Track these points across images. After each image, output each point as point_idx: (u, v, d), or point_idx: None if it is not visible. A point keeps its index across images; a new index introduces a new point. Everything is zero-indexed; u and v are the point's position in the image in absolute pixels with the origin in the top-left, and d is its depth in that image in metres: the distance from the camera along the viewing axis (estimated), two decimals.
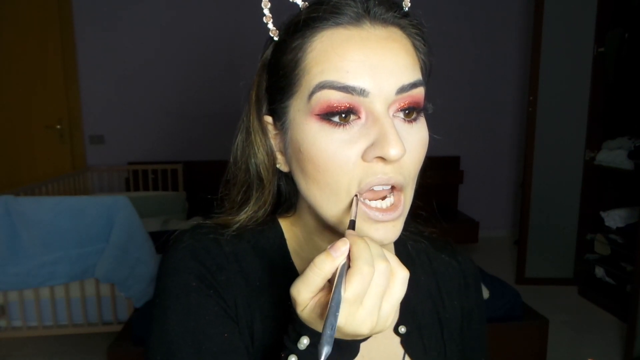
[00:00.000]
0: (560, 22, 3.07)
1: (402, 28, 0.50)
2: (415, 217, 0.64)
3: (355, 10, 0.48)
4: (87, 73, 3.81)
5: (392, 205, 0.48)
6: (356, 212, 0.46)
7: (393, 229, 0.48)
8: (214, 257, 0.54)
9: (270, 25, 0.53)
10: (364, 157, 0.46)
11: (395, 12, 0.49)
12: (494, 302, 1.97)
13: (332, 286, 0.40)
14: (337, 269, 0.39)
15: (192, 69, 3.85)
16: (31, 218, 2.24)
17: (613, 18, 3.02)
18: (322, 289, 0.41)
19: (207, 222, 0.58)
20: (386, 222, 0.48)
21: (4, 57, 3.67)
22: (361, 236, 0.41)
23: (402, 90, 0.47)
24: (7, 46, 3.66)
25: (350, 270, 0.38)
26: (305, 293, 0.41)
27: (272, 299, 0.55)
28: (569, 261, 3.31)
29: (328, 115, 0.47)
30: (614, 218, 2.99)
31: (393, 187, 0.48)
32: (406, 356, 0.58)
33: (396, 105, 0.48)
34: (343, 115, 0.46)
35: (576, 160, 3.19)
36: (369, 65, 0.46)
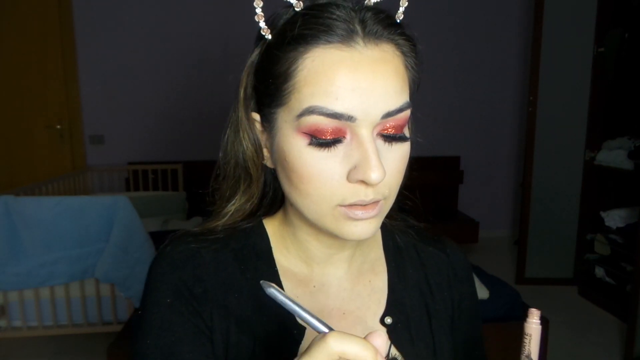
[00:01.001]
0: (560, 22, 3.07)
1: (396, 45, 0.50)
2: (402, 210, 0.65)
3: (349, 27, 0.47)
4: (87, 73, 3.81)
5: (371, 203, 0.50)
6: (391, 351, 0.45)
7: (370, 226, 0.50)
8: (193, 269, 0.55)
9: (262, 24, 0.52)
10: (348, 178, 0.48)
11: (390, 29, 0.49)
12: (494, 302, 1.97)
13: None
14: None
15: (192, 68, 3.85)
16: (31, 218, 2.24)
17: (613, 18, 3.02)
18: None
19: (195, 229, 0.59)
20: (364, 220, 0.50)
21: (4, 57, 3.67)
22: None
23: (389, 115, 0.48)
24: (7, 46, 3.66)
25: None
26: None
27: (247, 311, 0.56)
28: (569, 261, 3.31)
29: (315, 135, 0.48)
30: (614, 218, 2.99)
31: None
32: (392, 347, 0.58)
33: (380, 127, 0.49)
34: (330, 139, 0.48)
35: (576, 160, 3.20)
36: (358, 92, 0.46)
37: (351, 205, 0.49)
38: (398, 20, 0.52)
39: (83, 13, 3.73)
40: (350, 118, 0.46)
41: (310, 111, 0.47)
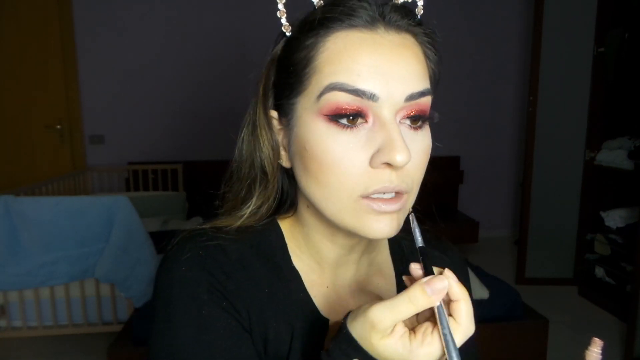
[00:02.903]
0: (560, 22, 3.07)
1: (415, 36, 0.50)
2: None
3: (371, 14, 0.48)
4: (87, 73, 3.81)
5: (394, 197, 0.49)
6: (420, 237, 0.47)
7: (392, 222, 0.49)
8: (222, 266, 0.53)
9: (284, 20, 0.53)
10: (371, 163, 0.47)
11: (409, 19, 0.50)
12: (494, 302, 1.97)
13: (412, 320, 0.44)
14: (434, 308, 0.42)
15: (192, 68, 3.85)
16: (31, 218, 2.24)
17: (613, 18, 3.02)
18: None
19: (204, 226, 0.58)
20: (387, 214, 0.48)
21: (4, 57, 3.67)
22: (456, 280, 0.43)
23: (411, 98, 0.47)
24: (7, 46, 3.66)
25: (454, 326, 0.42)
26: (389, 321, 0.41)
27: (281, 304, 0.55)
28: (569, 261, 3.31)
29: (336, 116, 0.47)
30: (614, 218, 2.99)
31: (397, 192, 0.49)
32: None
33: (403, 112, 0.48)
34: (351, 118, 0.47)
35: (576, 160, 3.20)
36: (380, 71, 0.46)
37: (374, 198, 0.48)
38: (418, 16, 0.53)
39: (83, 13, 3.73)
40: (372, 96, 0.46)
41: (331, 88, 0.47)
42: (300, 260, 0.59)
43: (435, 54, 0.53)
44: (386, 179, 0.47)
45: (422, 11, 0.53)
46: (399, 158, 0.45)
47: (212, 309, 0.51)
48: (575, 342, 2.54)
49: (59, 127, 3.83)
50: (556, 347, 2.15)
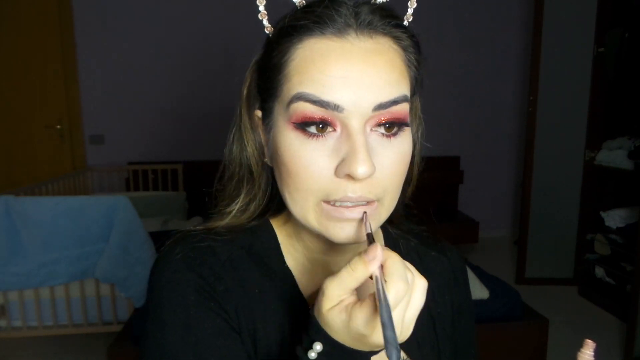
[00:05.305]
0: (560, 22, 3.07)
1: (394, 39, 0.49)
2: (408, 216, 0.65)
3: (343, 20, 0.47)
4: (87, 73, 3.81)
5: (359, 205, 0.48)
6: (369, 226, 0.47)
7: (355, 229, 0.49)
8: (211, 267, 0.54)
9: (266, 22, 0.53)
10: (335, 172, 0.47)
11: (385, 21, 0.48)
12: (494, 302, 1.97)
13: (359, 295, 0.44)
14: (374, 277, 0.41)
15: (192, 68, 3.85)
16: (31, 218, 2.24)
17: (613, 18, 3.03)
18: (351, 294, 0.43)
19: (197, 228, 0.58)
20: (351, 221, 0.48)
21: (4, 57, 3.67)
22: (391, 250, 0.43)
23: (380, 107, 0.46)
24: (7, 46, 3.66)
25: (387, 285, 0.40)
26: (336, 289, 0.42)
27: (272, 304, 0.55)
28: (569, 261, 3.31)
29: (304, 125, 0.47)
30: (614, 218, 2.99)
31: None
32: (401, 352, 0.58)
33: (374, 121, 0.47)
34: (320, 126, 0.47)
35: (576, 160, 3.20)
36: (347, 81, 0.45)
37: (337, 205, 0.48)
38: (406, 22, 0.51)
39: (83, 13, 3.73)
40: (337, 107, 0.45)
41: (297, 98, 0.47)
42: (294, 259, 0.59)
43: (417, 57, 0.51)
44: (349, 190, 0.47)
45: (411, 18, 0.52)
46: (360, 171, 0.44)
47: (200, 309, 0.52)
48: (575, 342, 2.53)
49: (59, 127, 3.83)
50: (556, 347, 2.15)
